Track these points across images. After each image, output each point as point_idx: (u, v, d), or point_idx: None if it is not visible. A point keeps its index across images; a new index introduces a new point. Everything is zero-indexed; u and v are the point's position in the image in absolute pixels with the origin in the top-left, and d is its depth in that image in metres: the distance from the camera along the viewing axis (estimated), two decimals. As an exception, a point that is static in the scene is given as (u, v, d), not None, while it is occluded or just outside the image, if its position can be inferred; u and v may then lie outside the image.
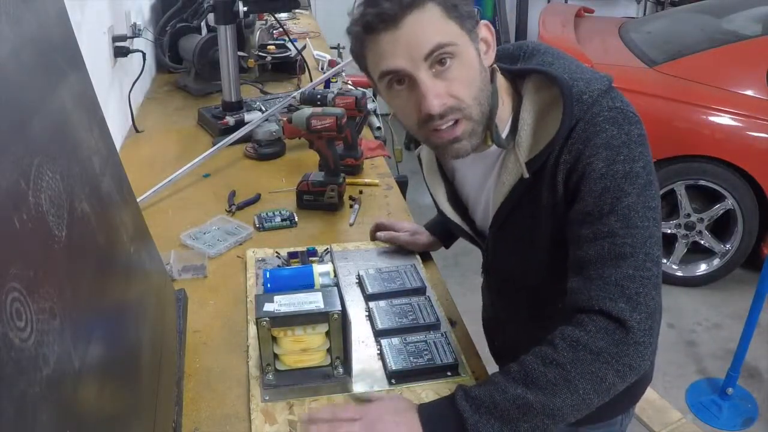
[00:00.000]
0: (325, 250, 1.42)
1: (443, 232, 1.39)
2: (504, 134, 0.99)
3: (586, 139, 0.89)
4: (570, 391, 0.84)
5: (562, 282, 0.94)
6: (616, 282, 0.86)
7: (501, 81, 0.99)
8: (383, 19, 0.87)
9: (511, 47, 1.04)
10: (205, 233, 1.50)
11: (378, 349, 1.13)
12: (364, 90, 1.92)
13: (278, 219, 1.56)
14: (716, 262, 3.09)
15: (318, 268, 1.18)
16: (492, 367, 1.16)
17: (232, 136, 1.89)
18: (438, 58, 0.88)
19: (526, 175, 0.95)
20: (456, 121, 0.92)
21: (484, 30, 0.95)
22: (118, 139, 1.97)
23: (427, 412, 0.90)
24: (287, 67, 2.65)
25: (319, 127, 1.57)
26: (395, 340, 1.12)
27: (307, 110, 1.59)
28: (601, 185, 0.88)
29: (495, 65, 0.98)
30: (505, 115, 0.99)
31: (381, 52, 0.89)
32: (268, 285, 1.16)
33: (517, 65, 1.00)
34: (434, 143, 0.96)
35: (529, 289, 1.09)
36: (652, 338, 0.86)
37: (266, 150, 1.91)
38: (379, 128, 2.28)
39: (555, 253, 0.98)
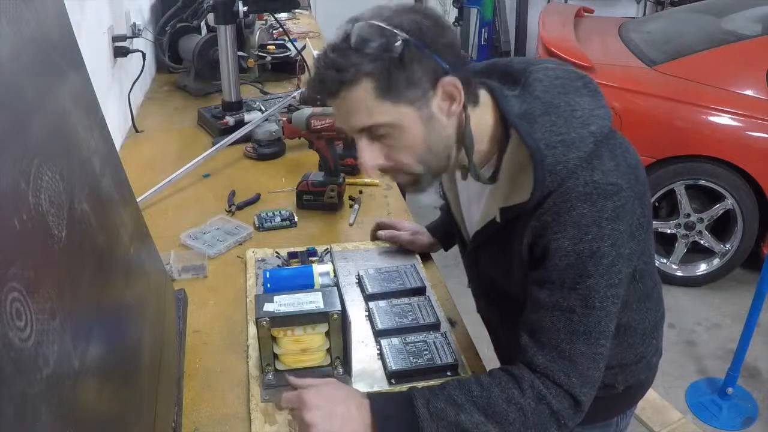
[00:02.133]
0: (325, 250, 1.42)
1: (445, 235, 1.39)
2: (490, 169, 0.99)
3: (556, 213, 0.89)
4: (520, 431, 0.90)
5: None
6: (569, 357, 0.90)
7: (488, 105, 0.97)
8: (324, 90, 0.90)
9: (519, 66, 1.00)
10: (205, 233, 1.50)
11: (378, 349, 1.13)
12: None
13: (278, 219, 1.56)
14: (716, 262, 3.09)
15: (318, 268, 1.18)
16: (490, 366, 1.16)
17: (231, 136, 1.89)
18: (371, 133, 0.92)
19: (498, 220, 0.97)
20: (398, 176, 0.97)
21: (448, 86, 0.90)
22: (118, 139, 1.97)
23: (381, 411, 0.90)
24: (287, 67, 2.65)
25: (319, 127, 1.57)
26: (395, 340, 1.12)
27: (307, 110, 1.59)
28: (566, 262, 0.89)
29: (467, 113, 0.93)
30: (489, 149, 0.98)
31: (333, 111, 0.96)
32: (268, 285, 1.16)
33: (517, 90, 0.97)
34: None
35: (511, 298, 1.07)
36: (589, 404, 0.92)
37: (266, 150, 1.91)
38: (379, 128, 2.28)
39: (522, 283, 0.99)
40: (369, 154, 0.92)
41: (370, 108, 0.88)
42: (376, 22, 0.86)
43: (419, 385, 1.05)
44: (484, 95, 0.97)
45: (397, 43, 0.85)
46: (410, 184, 0.98)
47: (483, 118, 0.96)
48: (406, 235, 1.42)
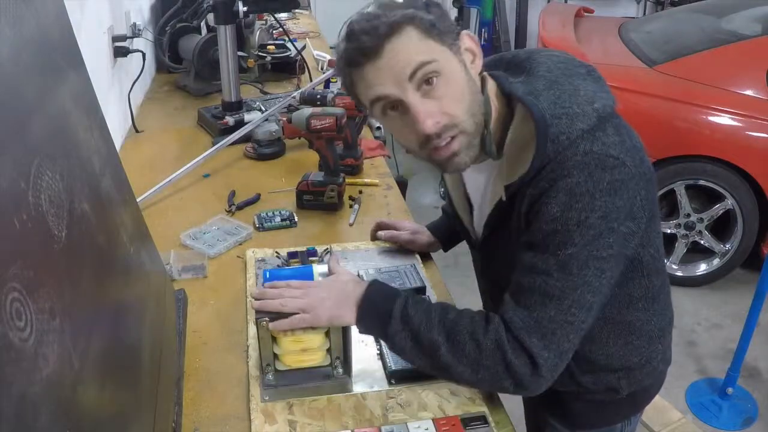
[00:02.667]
0: (325, 250, 1.42)
1: (445, 235, 1.39)
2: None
3: (552, 180, 0.89)
4: (471, 371, 0.93)
5: None
6: (537, 319, 0.90)
7: (492, 90, 0.99)
8: (364, 52, 0.89)
9: (523, 56, 1.02)
10: (204, 233, 1.50)
11: (378, 349, 1.13)
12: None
13: (278, 219, 1.56)
14: (716, 262, 3.09)
15: (318, 268, 1.18)
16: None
17: (231, 136, 1.89)
18: (423, 77, 0.90)
19: (504, 198, 0.97)
20: (452, 137, 0.94)
21: (467, 40, 0.95)
22: (118, 139, 1.97)
23: (367, 296, 0.99)
24: (287, 67, 2.65)
25: (318, 127, 1.57)
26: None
27: (307, 110, 1.59)
28: (551, 227, 0.90)
29: (485, 74, 0.97)
30: (496, 126, 0.99)
31: (368, 82, 0.92)
32: (268, 285, 1.16)
33: (522, 77, 0.98)
34: (435, 161, 0.98)
35: None
36: (554, 375, 0.92)
37: (266, 150, 1.91)
38: (378, 128, 2.28)
39: None
40: (424, 109, 0.90)
41: (418, 48, 0.89)
42: None
43: (419, 384, 1.05)
44: (492, 85, 0.99)
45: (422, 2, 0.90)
46: (454, 153, 0.95)
47: (491, 94, 0.97)
48: (406, 235, 1.42)
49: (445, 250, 1.42)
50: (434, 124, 0.91)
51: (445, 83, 0.91)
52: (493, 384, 0.95)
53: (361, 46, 0.89)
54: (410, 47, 0.89)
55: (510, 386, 0.92)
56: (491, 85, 0.98)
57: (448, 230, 1.38)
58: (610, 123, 0.92)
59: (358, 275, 1.32)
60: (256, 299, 1.03)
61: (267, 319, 1.00)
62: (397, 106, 0.93)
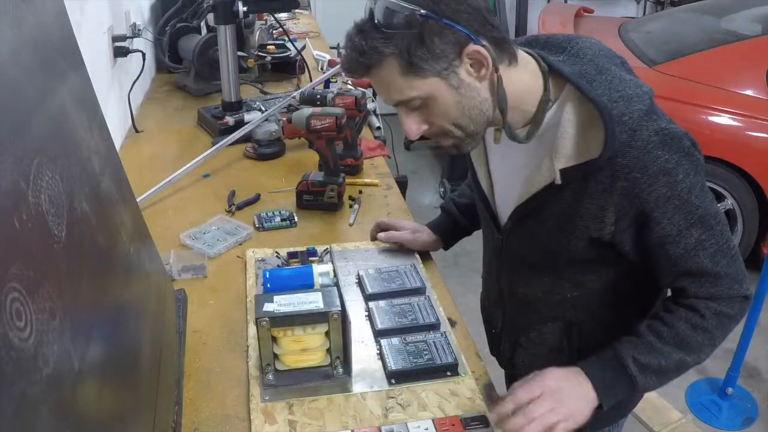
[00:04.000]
0: (325, 250, 1.42)
1: (446, 233, 1.39)
2: (526, 127, 1.01)
3: (643, 168, 0.92)
4: (711, 347, 1.02)
5: (589, 267, 1.06)
6: (724, 274, 0.99)
7: (531, 69, 0.99)
8: (354, 71, 0.96)
9: (560, 37, 1.05)
10: (204, 233, 1.50)
11: (378, 349, 1.13)
12: (364, 90, 1.92)
13: (278, 219, 1.56)
14: (716, 262, 3.09)
15: (318, 268, 1.18)
16: (491, 366, 1.16)
17: (231, 136, 1.89)
18: (406, 105, 0.96)
19: (559, 182, 0.97)
20: (442, 138, 1.00)
21: (473, 53, 0.91)
22: (118, 139, 1.97)
23: (599, 378, 1.00)
24: (287, 67, 2.65)
25: (318, 127, 1.57)
26: (395, 340, 1.12)
27: (307, 110, 1.59)
28: (671, 205, 0.94)
29: (500, 73, 0.94)
30: (529, 108, 1.00)
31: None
32: (268, 285, 1.16)
33: (562, 56, 1.00)
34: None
35: (543, 272, 1.11)
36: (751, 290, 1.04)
37: (266, 150, 1.91)
38: (378, 128, 2.28)
39: (582, 253, 1.03)
40: (409, 121, 0.97)
41: (398, 85, 0.93)
42: (396, 0, 0.89)
43: (419, 384, 1.05)
44: (523, 56, 0.99)
45: (417, 19, 0.88)
46: (452, 146, 1.01)
47: (521, 76, 0.98)
48: (406, 234, 1.42)
49: (446, 249, 1.42)
50: (416, 133, 0.98)
51: (429, 107, 0.95)
52: (726, 336, 1.04)
53: (350, 68, 0.95)
54: (391, 83, 0.93)
55: (735, 325, 1.04)
56: (525, 61, 0.99)
57: (450, 228, 1.38)
58: (657, 106, 0.97)
59: (358, 275, 1.32)
60: (505, 425, 0.97)
61: (267, 319, 1.00)
62: None
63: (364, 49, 0.91)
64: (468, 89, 0.94)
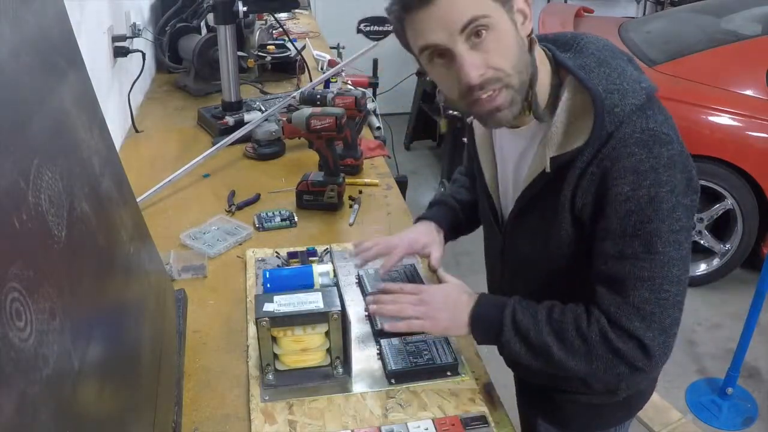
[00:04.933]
0: (325, 250, 1.42)
1: (450, 227, 1.31)
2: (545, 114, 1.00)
3: (615, 159, 0.91)
4: (585, 363, 0.97)
5: (580, 270, 1.01)
6: (632, 304, 0.94)
7: (541, 57, 0.99)
8: None
9: (568, 35, 1.04)
10: (204, 233, 1.50)
11: (378, 349, 1.13)
12: (364, 90, 1.92)
13: (278, 219, 1.56)
14: (716, 262, 3.09)
15: (318, 268, 1.18)
16: (491, 366, 1.16)
17: (231, 136, 1.89)
18: (473, 30, 0.90)
19: (548, 170, 0.97)
20: (496, 91, 0.94)
21: (521, 2, 0.95)
22: (118, 139, 1.97)
23: (478, 310, 1.04)
24: (287, 67, 2.65)
25: (318, 127, 1.57)
26: (395, 340, 1.12)
27: (307, 110, 1.59)
28: (626, 208, 0.92)
29: (533, 37, 0.97)
30: (543, 91, 0.99)
31: (419, 29, 0.92)
32: (268, 285, 1.16)
33: (569, 53, 1.00)
34: (476, 113, 0.98)
35: (545, 272, 1.09)
36: (666, 351, 0.95)
37: (266, 150, 1.91)
38: (378, 128, 2.28)
39: (572, 245, 1.01)
40: (470, 60, 0.91)
41: (472, 1, 0.89)
42: None
43: (419, 384, 1.05)
44: (540, 51, 0.99)
45: None
46: (504, 104, 0.95)
47: (540, 58, 0.98)
48: (401, 253, 1.25)
49: (445, 242, 1.34)
50: (479, 75, 0.91)
51: (495, 38, 0.91)
52: (608, 372, 0.97)
53: None
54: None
55: (626, 371, 0.96)
56: (539, 51, 0.99)
57: (452, 221, 1.32)
58: (655, 102, 0.95)
59: (358, 275, 1.32)
60: (372, 304, 1.10)
61: (267, 319, 1.00)
62: (444, 55, 0.92)
63: None
64: (519, 34, 0.93)
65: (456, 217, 1.32)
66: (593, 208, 0.96)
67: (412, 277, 1.31)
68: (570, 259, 1.04)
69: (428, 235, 1.28)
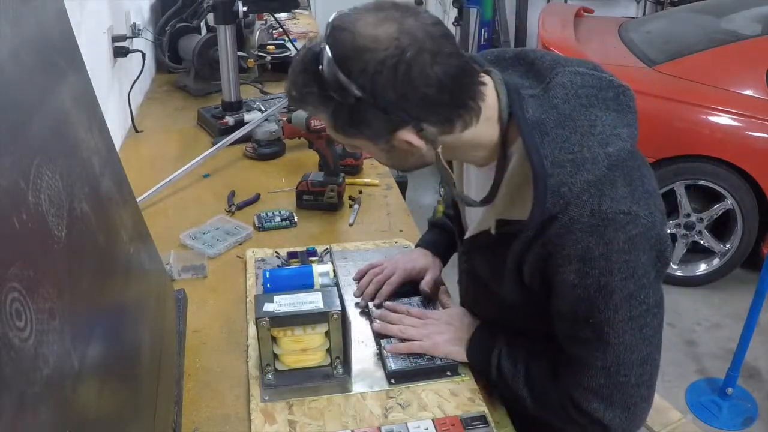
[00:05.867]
0: (325, 250, 1.42)
1: (445, 249, 1.31)
2: (488, 166, 0.95)
3: (560, 246, 0.83)
4: (559, 420, 0.97)
5: (523, 304, 0.99)
6: (590, 387, 0.91)
7: (489, 124, 0.89)
8: (292, 101, 0.92)
9: (547, 62, 0.91)
10: (204, 233, 1.50)
11: (378, 349, 1.13)
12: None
13: (278, 219, 1.56)
14: (716, 262, 3.09)
15: (318, 268, 1.18)
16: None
17: (231, 136, 1.89)
18: None
19: (493, 231, 0.95)
20: None
21: (401, 142, 0.85)
22: (117, 139, 1.97)
23: (472, 351, 1.08)
24: (287, 67, 2.63)
25: (318, 126, 1.57)
26: (395, 340, 1.12)
27: (307, 110, 1.59)
28: (574, 295, 0.86)
29: (439, 151, 0.87)
30: (489, 156, 0.93)
31: None
32: (268, 285, 1.16)
33: (538, 89, 0.89)
34: None
35: (499, 302, 1.04)
36: (632, 425, 0.92)
37: (266, 150, 1.91)
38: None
39: (519, 297, 0.97)
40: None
41: (329, 130, 0.89)
42: (338, 64, 0.80)
43: (419, 385, 1.05)
44: (491, 101, 0.89)
45: (353, 95, 0.80)
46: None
47: (479, 131, 0.89)
48: (397, 281, 1.25)
49: (443, 265, 1.31)
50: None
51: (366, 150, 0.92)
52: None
53: (291, 94, 0.90)
54: (325, 124, 0.90)
55: None
56: (491, 112, 0.89)
57: (449, 243, 1.29)
58: (622, 170, 0.84)
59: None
60: (378, 319, 1.15)
61: (267, 319, 1.00)
62: None
63: (302, 93, 0.85)
64: (401, 153, 0.88)
65: (451, 239, 1.25)
66: (541, 286, 0.91)
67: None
68: (519, 304, 0.99)
69: (424, 258, 1.29)
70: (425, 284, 1.25)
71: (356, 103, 0.81)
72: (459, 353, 1.08)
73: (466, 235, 1.06)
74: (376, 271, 1.28)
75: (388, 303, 1.20)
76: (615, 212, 0.81)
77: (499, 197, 0.92)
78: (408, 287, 1.26)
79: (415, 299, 1.23)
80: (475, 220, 1.04)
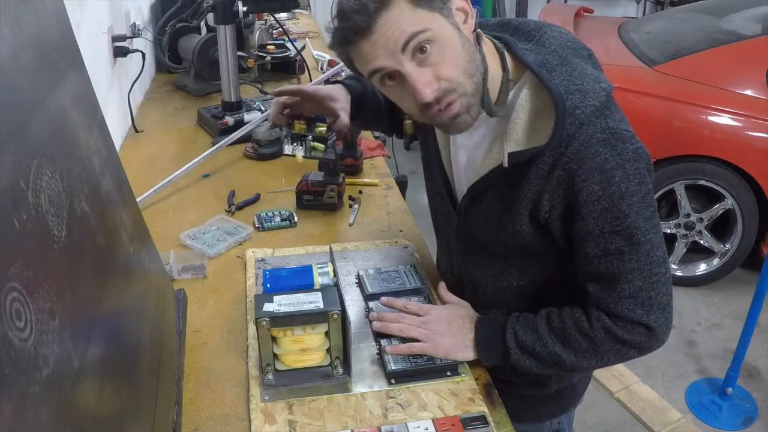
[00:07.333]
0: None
1: (359, 96, 1.34)
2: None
3: (580, 161, 0.93)
4: (596, 359, 1.02)
5: (534, 257, 1.08)
6: (630, 295, 0.98)
7: (489, 48, 1.00)
8: (357, 31, 0.91)
9: (532, 25, 1.05)
10: (204, 233, 1.50)
11: (378, 349, 1.13)
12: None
13: (278, 219, 1.56)
14: (716, 262, 3.09)
15: (318, 268, 1.18)
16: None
17: (231, 136, 1.89)
18: (416, 46, 0.91)
19: (506, 165, 0.98)
20: (453, 102, 0.95)
21: (458, 1, 0.95)
22: (117, 139, 1.97)
23: (481, 335, 1.08)
24: (287, 67, 2.65)
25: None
26: (395, 340, 1.12)
27: (307, 110, 1.58)
28: (600, 206, 0.94)
29: (479, 31, 0.98)
30: (494, 87, 1.00)
31: (364, 57, 0.94)
32: (268, 285, 1.16)
33: (530, 44, 1.01)
34: (438, 124, 1.01)
35: (496, 257, 1.12)
36: (669, 325, 1.01)
37: (266, 150, 1.91)
38: (378, 128, 2.28)
39: (525, 238, 1.04)
40: (420, 77, 0.92)
41: (408, 19, 0.90)
42: None
43: (419, 384, 1.05)
44: (488, 43, 1.00)
45: None
46: (460, 112, 0.96)
47: (491, 62, 0.98)
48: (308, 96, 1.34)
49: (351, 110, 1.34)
50: (432, 91, 0.92)
51: (439, 49, 0.92)
52: (620, 359, 1.03)
53: (353, 26, 0.91)
54: (401, 19, 0.90)
55: (636, 354, 1.01)
56: (487, 42, 1.00)
57: (362, 94, 1.33)
58: (613, 102, 0.97)
59: (358, 275, 1.32)
60: (376, 320, 1.14)
61: (267, 319, 1.00)
62: (394, 76, 0.94)
63: None
64: (463, 35, 0.94)
65: (365, 94, 1.33)
66: (564, 210, 0.98)
67: (411, 277, 1.30)
68: (521, 250, 1.06)
69: (338, 91, 1.32)
70: (341, 124, 1.29)
71: None
72: (467, 354, 1.08)
73: (473, 181, 1.07)
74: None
75: (384, 298, 1.20)
76: (620, 129, 0.94)
77: (513, 130, 0.98)
78: (400, 286, 1.27)
79: (415, 299, 1.23)
80: (468, 176, 1.08)
